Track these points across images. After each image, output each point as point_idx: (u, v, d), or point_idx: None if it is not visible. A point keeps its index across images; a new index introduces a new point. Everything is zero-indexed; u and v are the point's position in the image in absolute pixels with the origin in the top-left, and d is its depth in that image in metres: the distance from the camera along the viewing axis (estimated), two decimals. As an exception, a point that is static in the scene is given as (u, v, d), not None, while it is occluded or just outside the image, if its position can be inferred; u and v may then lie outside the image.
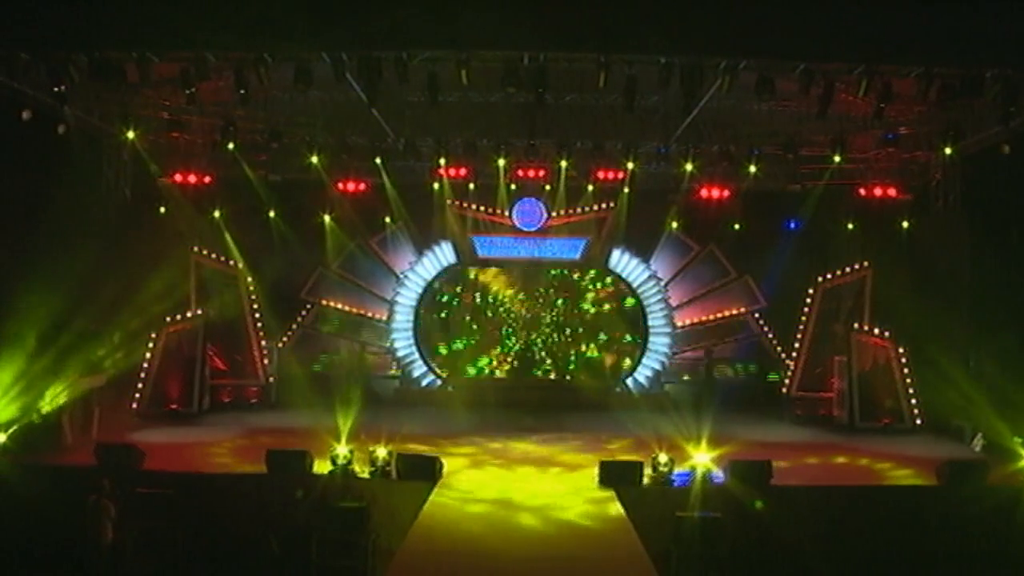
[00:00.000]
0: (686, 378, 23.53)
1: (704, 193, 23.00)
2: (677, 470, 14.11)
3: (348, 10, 14.84)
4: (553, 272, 23.35)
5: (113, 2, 14.73)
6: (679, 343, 23.30)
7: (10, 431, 14.75)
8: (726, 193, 22.93)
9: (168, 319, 20.06)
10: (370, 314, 23.60)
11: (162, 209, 22.34)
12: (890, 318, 20.06)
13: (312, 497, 12.74)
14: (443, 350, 23.18)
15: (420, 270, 23.49)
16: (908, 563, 12.42)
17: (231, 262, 21.69)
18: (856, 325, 20.13)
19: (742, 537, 11.84)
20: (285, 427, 18.17)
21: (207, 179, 22.48)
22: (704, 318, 23.55)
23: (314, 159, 21.56)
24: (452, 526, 12.22)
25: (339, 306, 23.53)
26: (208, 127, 21.14)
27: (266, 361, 21.48)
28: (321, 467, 14.08)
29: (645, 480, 13.96)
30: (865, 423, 19.03)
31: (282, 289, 22.96)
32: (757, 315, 23.36)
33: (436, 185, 23.31)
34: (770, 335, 23.24)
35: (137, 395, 19.54)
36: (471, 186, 23.25)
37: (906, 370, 19.21)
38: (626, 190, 22.86)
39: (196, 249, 21.36)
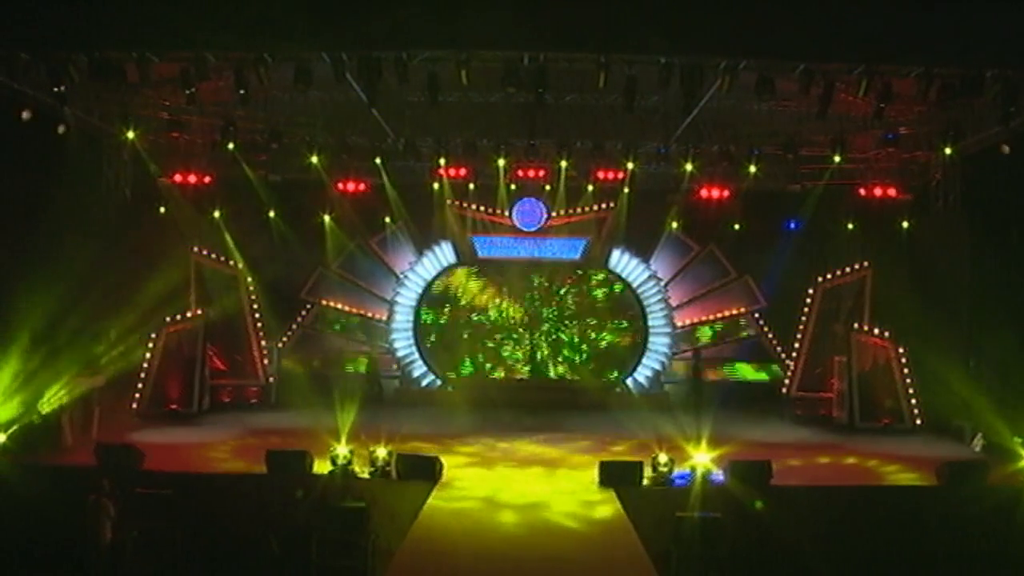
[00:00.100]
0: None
1: (704, 193, 22.99)
2: (677, 470, 14.10)
3: (348, 10, 14.84)
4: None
5: (113, 2, 14.72)
6: (679, 343, 23.33)
7: (10, 431, 14.75)
8: (726, 193, 22.92)
9: (168, 319, 20.06)
10: (370, 314, 23.61)
11: (162, 209, 22.31)
12: (890, 318, 20.05)
13: (312, 497, 12.74)
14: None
15: (420, 270, 23.49)
16: (908, 563, 12.42)
17: (231, 262, 21.69)
18: (856, 325, 20.13)
19: (742, 537, 11.83)
20: (285, 427, 18.18)
21: (207, 179, 22.46)
22: (704, 318, 23.56)
23: (314, 159, 21.55)
24: (452, 526, 12.22)
25: (339, 306, 23.53)
26: (208, 127, 21.13)
27: (266, 361, 21.48)
28: (321, 467, 14.08)
29: (645, 480, 13.97)
30: (865, 423, 19.02)
31: (282, 289, 22.97)
32: (757, 315, 23.37)
33: (436, 185, 23.30)
34: (770, 335, 23.25)
35: (137, 395, 19.54)
36: (471, 186, 23.24)
37: (906, 370, 19.20)
38: (626, 190, 22.85)
39: (196, 249, 21.36)
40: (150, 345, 19.82)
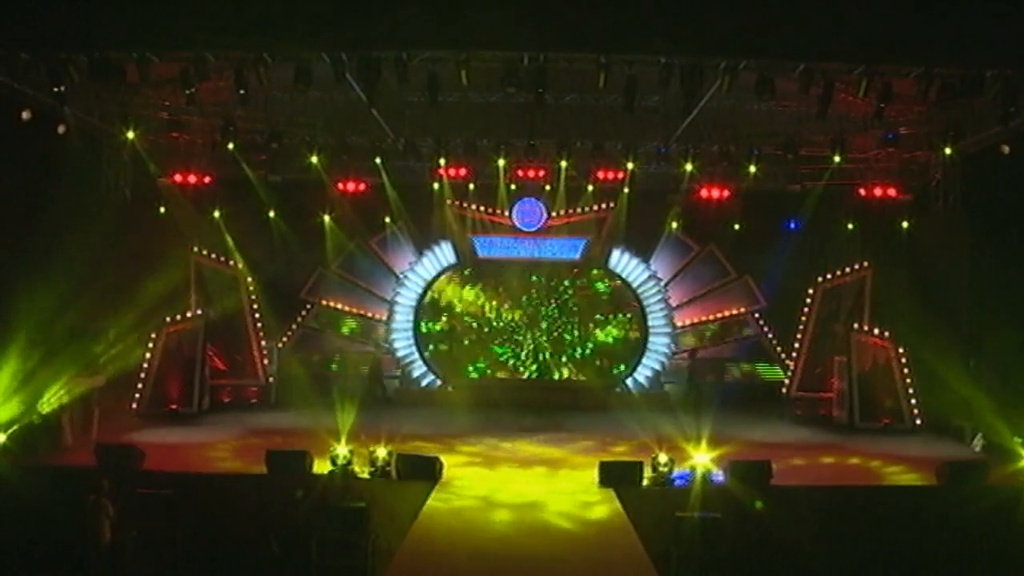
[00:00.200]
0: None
1: (704, 193, 23.00)
2: (677, 470, 14.10)
3: (348, 10, 14.83)
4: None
5: (113, 2, 14.72)
6: (678, 343, 23.33)
7: (10, 431, 14.74)
8: (726, 193, 22.92)
9: (168, 319, 20.05)
10: (370, 314, 23.61)
11: (162, 209, 22.33)
12: (890, 318, 20.06)
13: (312, 497, 12.73)
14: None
15: (420, 270, 23.50)
16: (908, 563, 12.41)
17: (231, 262, 21.69)
18: (856, 325, 20.11)
19: (742, 537, 11.82)
20: (285, 427, 18.17)
21: (207, 179, 22.47)
22: (704, 318, 23.56)
23: (314, 159, 21.55)
24: (452, 526, 12.22)
25: (339, 306, 23.53)
26: (208, 127, 21.13)
27: (266, 361, 21.49)
28: (321, 467, 14.08)
29: (645, 480, 13.96)
30: (865, 423, 19.01)
31: (282, 289, 22.97)
32: (757, 315, 23.37)
33: (436, 185, 23.30)
34: (770, 335, 23.25)
35: (137, 395, 19.53)
36: (471, 186, 23.25)
37: (906, 370, 19.18)
38: (626, 190, 22.86)
39: (196, 249, 21.37)
40: (150, 345, 19.81)
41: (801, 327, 20.97)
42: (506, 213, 23.30)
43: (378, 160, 22.02)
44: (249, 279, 21.63)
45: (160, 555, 11.99)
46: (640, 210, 23.22)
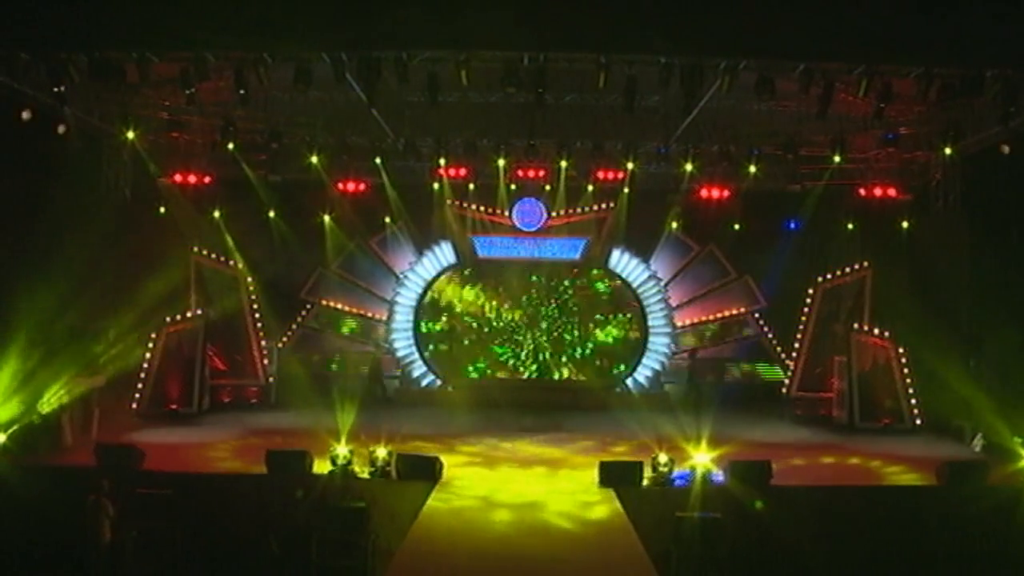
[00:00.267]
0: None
1: (704, 193, 23.00)
2: (677, 470, 14.10)
3: (348, 10, 14.83)
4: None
5: (113, 2, 14.72)
6: (679, 343, 23.33)
7: (10, 431, 14.74)
8: (726, 193, 22.92)
9: (168, 319, 20.05)
10: (370, 314, 23.60)
11: (162, 209, 22.32)
12: (890, 318, 20.05)
13: (312, 497, 12.73)
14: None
15: (420, 270, 23.50)
16: (908, 563, 12.40)
17: (231, 262, 21.69)
18: (856, 325, 20.11)
19: (742, 537, 11.82)
20: (285, 427, 18.17)
21: (207, 179, 22.48)
22: (704, 318, 23.56)
23: (314, 159, 21.55)
24: (452, 526, 12.22)
25: (339, 306, 23.53)
26: (208, 127, 21.13)
27: (266, 361, 21.48)
28: (321, 467, 14.08)
29: (645, 480, 13.96)
30: (865, 423, 19.00)
31: (282, 289, 22.97)
32: (757, 315, 23.37)
33: (436, 185, 23.30)
34: (770, 335, 23.25)
35: (137, 395, 19.52)
36: (471, 186, 23.25)
37: (906, 370, 19.19)
38: (626, 190, 22.86)
39: (196, 249, 21.37)
40: (150, 345, 19.81)
41: (801, 327, 20.97)
42: (506, 213, 23.30)
43: (378, 160, 22.01)
44: (249, 279, 21.63)
45: (160, 555, 11.99)
46: (640, 210, 23.22)
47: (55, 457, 15.09)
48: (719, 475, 13.87)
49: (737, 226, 23.38)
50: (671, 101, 18.61)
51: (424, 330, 23.25)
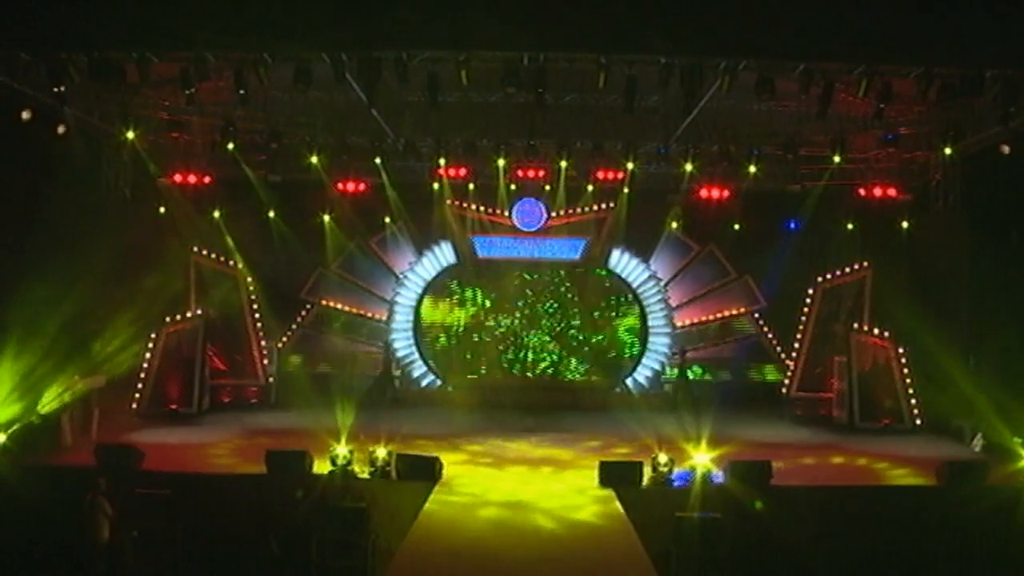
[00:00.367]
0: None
1: (704, 193, 22.98)
2: (677, 470, 14.10)
3: (348, 10, 14.82)
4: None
5: (113, 2, 14.72)
6: (679, 343, 23.32)
7: (10, 431, 14.74)
8: (726, 193, 22.91)
9: (168, 319, 20.06)
10: (370, 314, 23.60)
11: (162, 209, 22.32)
12: (890, 318, 20.05)
13: (312, 497, 12.72)
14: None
15: (420, 270, 23.50)
16: (908, 563, 12.39)
17: (231, 262, 21.69)
18: (856, 325, 20.13)
19: (742, 537, 11.81)
20: (285, 427, 18.17)
21: (207, 179, 22.47)
22: (704, 318, 23.56)
23: (314, 159, 21.54)
24: (452, 526, 12.22)
25: (339, 306, 23.52)
26: (208, 127, 21.12)
27: (266, 361, 21.48)
28: (321, 467, 14.08)
29: (645, 480, 13.97)
30: (865, 423, 19.01)
31: (282, 289, 22.95)
32: (757, 315, 23.37)
33: (436, 185, 23.29)
34: (770, 335, 23.25)
35: (137, 395, 19.53)
36: (471, 186, 23.25)
37: (906, 370, 19.20)
38: (626, 190, 22.86)
39: (196, 249, 21.38)
40: (150, 345, 19.82)
41: (801, 327, 20.98)
42: (506, 213, 23.31)
43: (378, 160, 22.00)
44: (249, 279, 21.63)
45: (160, 555, 11.97)
46: (640, 210, 23.22)
47: (55, 457, 15.10)
48: (719, 475, 13.87)
49: (737, 226, 23.36)
50: (671, 101, 18.59)
51: (424, 329, 23.25)
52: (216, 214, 22.55)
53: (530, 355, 23.17)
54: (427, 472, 13.99)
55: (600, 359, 23.24)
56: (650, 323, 23.21)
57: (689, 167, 21.83)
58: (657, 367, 23.16)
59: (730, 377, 23.15)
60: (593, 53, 15.96)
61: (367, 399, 19.64)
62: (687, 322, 23.54)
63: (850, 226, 23.13)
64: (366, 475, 14.00)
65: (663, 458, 14.09)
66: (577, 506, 13.15)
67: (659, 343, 23.24)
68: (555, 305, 23.31)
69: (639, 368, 23.15)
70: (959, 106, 17.66)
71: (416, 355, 23.21)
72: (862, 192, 22.82)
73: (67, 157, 18.52)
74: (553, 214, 23.26)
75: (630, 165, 21.88)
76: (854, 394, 19.30)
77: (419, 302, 23.37)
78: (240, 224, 22.63)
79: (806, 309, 20.96)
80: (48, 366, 16.54)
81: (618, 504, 13.04)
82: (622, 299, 23.44)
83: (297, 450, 14.28)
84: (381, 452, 14.13)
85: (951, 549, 12.36)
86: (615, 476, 13.96)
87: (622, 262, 23.39)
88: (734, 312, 23.44)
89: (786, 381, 21.25)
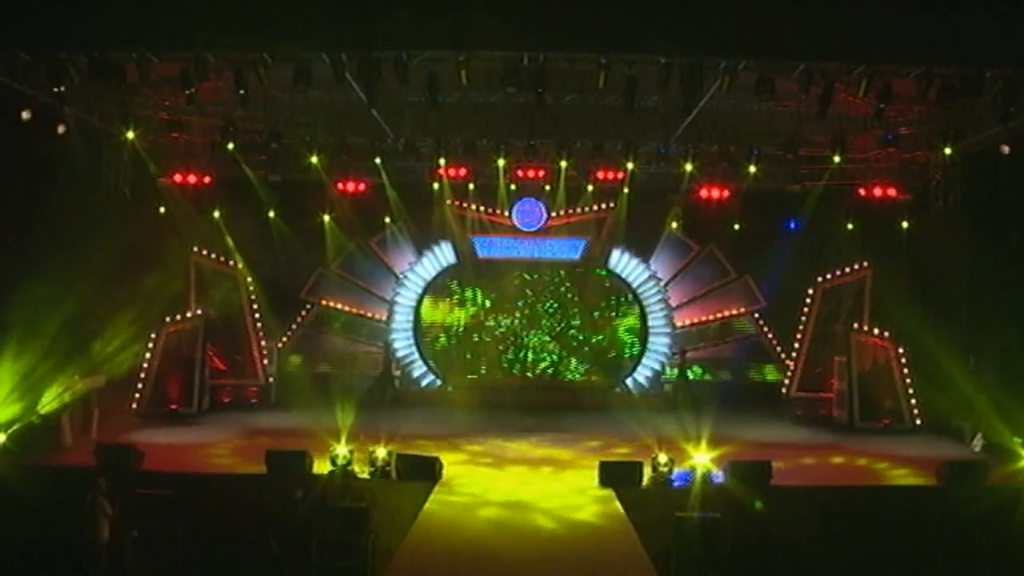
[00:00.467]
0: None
1: (704, 193, 22.99)
2: (677, 470, 14.10)
3: (348, 10, 14.82)
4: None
5: (113, 2, 14.71)
6: (679, 343, 23.32)
7: (10, 431, 14.74)
8: (726, 193, 22.92)
9: (168, 319, 20.06)
10: (370, 314, 23.60)
11: (162, 209, 22.33)
12: (890, 318, 20.05)
13: (312, 497, 12.73)
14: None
15: (420, 270, 23.50)
16: (908, 563, 12.41)
17: (231, 262, 21.70)
18: (856, 325, 20.13)
19: (742, 537, 11.82)
20: (285, 427, 18.18)
21: (207, 179, 22.47)
22: (704, 318, 23.55)
23: (314, 159, 21.53)
24: (452, 526, 12.23)
25: (339, 306, 23.52)
26: (208, 127, 21.12)
27: (266, 361, 21.48)
28: (321, 467, 14.08)
29: (645, 480, 13.97)
30: (865, 423, 19.01)
31: (282, 289, 22.96)
32: (757, 315, 23.37)
33: (436, 185, 23.30)
34: (770, 335, 23.25)
35: (137, 395, 19.53)
36: (471, 186, 23.26)
37: (906, 370, 19.20)
38: (626, 190, 22.87)
39: (195, 249, 21.38)
40: (150, 345, 19.82)
41: (801, 327, 20.98)
42: (506, 213, 23.31)
43: (378, 160, 22.00)
44: (249, 279, 21.63)
45: (160, 555, 11.98)
46: (640, 210, 23.23)
47: (55, 457, 15.10)
48: (719, 475, 13.87)
49: (737, 226, 23.37)
50: (671, 101, 18.59)
51: (424, 329, 23.26)
52: (216, 214, 22.55)
53: (530, 355, 23.19)
54: (427, 472, 14.00)
55: (600, 359, 23.27)
56: (650, 323, 23.22)
57: (689, 167, 21.83)
58: (657, 367, 23.17)
59: (730, 377, 23.14)
60: (593, 53, 15.96)
61: (367, 399, 19.65)
62: (687, 322, 23.54)
63: (850, 226, 23.14)
64: (366, 475, 14.01)
65: (663, 458, 14.09)
66: (577, 506, 13.15)
67: (659, 343, 23.25)
68: (555, 305, 23.34)
69: (639, 368, 23.16)
70: (959, 106, 17.65)
71: (416, 355, 23.22)
72: (862, 192, 22.83)
73: (67, 157, 18.52)
74: (553, 214, 23.27)
75: (630, 165, 21.89)
76: (854, 394, 19.30)
77: (419, 302, 23.42)
78: (240, 224, 22.64)
79: (806, 309, 20.96)
80: (48, 366, 16.54)
81: (618, 504, 13.05)
82: (622, 299, 23.47)
83: (297, 450, 14.28)
84: (381, 452, 14.13)
85: (951, 549, 12.38)
86: (615, 476, 13.96)
87: (622, 262, 23.40)
88: (734, 312, 23.45)
89: (786, 381, 21.25)
